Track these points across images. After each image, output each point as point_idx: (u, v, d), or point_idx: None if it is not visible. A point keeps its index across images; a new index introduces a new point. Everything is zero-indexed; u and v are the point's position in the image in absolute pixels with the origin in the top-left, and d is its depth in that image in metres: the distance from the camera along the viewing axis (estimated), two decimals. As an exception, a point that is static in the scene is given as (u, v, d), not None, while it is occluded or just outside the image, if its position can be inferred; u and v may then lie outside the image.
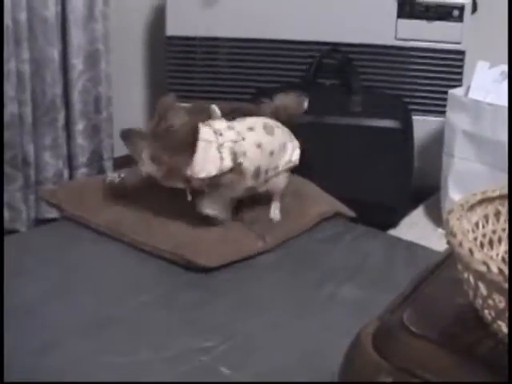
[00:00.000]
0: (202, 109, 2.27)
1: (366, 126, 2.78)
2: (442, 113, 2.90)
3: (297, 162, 2.32)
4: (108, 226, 2.33)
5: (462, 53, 3.00)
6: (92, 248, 2.27)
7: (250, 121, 2.26)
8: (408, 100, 3.04)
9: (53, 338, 1.81)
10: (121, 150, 3.17)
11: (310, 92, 2.87)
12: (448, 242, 0.93)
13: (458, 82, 2.99)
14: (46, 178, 2.82)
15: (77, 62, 2.85)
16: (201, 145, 2.11)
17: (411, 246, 2.41)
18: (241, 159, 2.14)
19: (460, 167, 2.75)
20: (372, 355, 0.95)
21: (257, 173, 2.20)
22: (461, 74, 3.02)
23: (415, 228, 2.87)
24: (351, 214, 2.42)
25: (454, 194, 2.73)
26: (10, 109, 2.61)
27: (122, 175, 2.69)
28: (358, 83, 2.97)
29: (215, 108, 2.22)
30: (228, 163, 2.12)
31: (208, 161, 2.12)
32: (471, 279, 0.89)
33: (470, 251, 0.86)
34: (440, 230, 2.85)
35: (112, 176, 2.71)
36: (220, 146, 2.12)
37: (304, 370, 1.72)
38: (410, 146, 2.94)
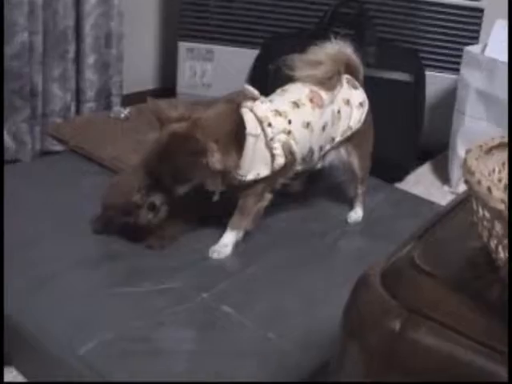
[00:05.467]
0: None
1: (377, 78, 2.74)
2: (456, 70, 2.86)
3: (358, 126, 2.09)
4: (111, 161, 2.33)
5: (481, 10, 2.96)
6: (94, 181, 2.26)
7: (294, 92, 1.99)
8: (422, 55, 3.00)
9: (53, 269, 1.82)
10: (130, 87, 3.15)
11: (324, 41, 2.85)
12: (465, 181, 0.92)
13: (474, 40, 2.95)
14: (53, 110, 2.78)
15: (90, -5, 2.80)
16: (249, 141, 1.85)
17: (417, 200, 2.40)
18: (293, 148, 1.91)
19: (470, 125, 2.72)
20: (380, 293, 0.93)
21: (309, 154, 1.98)
22: (478, 31, 2.98)
23: (420, 184, 2.85)
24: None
25: (462, 151, 2.69)
26: (21, 38, 2.57)
27: (128, 110, 2.67)
28: (372, 34, 2.93)
29: (250, 88, 1.95)
30: (281, 161, 1.89)
31: (257, 161, 1.88)
32: (488, 218, 0.87)
33: (489, 189, 0.84)
34: (446, 188, 2.83)
35: (117, 111, 2.70)
36: (270, 141, 1.87)
37: (304, 312, 1.73)
38: (421, 100, 2.90)
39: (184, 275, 1.83)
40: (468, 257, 0.98)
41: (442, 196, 2.66)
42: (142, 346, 1.58)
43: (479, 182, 0.87)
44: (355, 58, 2.13)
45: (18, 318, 1.68)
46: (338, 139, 2.06)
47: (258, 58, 3.03)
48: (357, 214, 2.23)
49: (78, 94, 2.89)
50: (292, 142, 1.89)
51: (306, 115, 1.94)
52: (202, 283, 1.80)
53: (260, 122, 1.87)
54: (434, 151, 3.09)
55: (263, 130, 1.86)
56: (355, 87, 2.12)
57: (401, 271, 0.95)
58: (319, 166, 2.10)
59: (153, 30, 3.46)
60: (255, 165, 1.87)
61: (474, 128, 2.69)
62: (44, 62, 2.71)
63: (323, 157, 2.08)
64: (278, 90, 2.03)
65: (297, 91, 1.99)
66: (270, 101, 1.95)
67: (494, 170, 1.04)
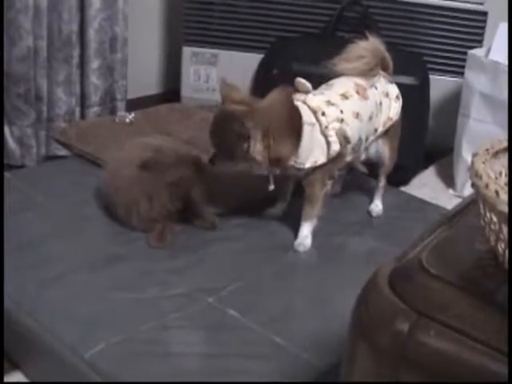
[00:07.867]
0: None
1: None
2: (460, 74, 2.86)
3: (397, 117, 2.19)
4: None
5: (485, 14, 2.96)
6: (99, 185, 2.27)
7: (340, 86, 2.07)
8: (427, 58, 3.00)
9: (59, 272, 1.82)
10: (134, 91, 3.16)
11: (329, 44, 2.84)
12: (473, 185, 0.92)
13: (478, 44, 2.95)
14: (58, 114, 2.79)
15: (94, 0, 2.80)
16: (306, 130, 1.92)
17: (423, 203, 2.41)
18: (348, 134, 1.98)
19: (475, 128, 2.72)
20: (389, 295, 0.93)
21: (358, 144, 2.06)
22: (482, 35, 2.98)
23: (425, 187, 2.85)
24: (363, 169, 2.40)
25: (467, 155, 2.70)
26: (26, 42, 2.58)
27: (133, 115, 2.68)
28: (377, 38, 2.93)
29: (302, 80, 2.00)
30: (336, 147, 1.96)
31: (314, 149, 1.94)
32: (495, 221, 0.87)
33: (496, 193, 0.84)
34: (450, 191, 2.83)
35: (122, 115, 2.70)
36: (325, 129, 1.94)
37: (313, 313, 1.73)
38: (425, 104, 2.90)
39: (190, 277, 1.84)
40: (475, 259, 0.98)
41: (447, 199, 2.66)
42: (149, 349, 1.58)
43: (487, 186, 0.87)
44: (388, 55, 2.21)
45: (25, 321, 1.68)
46: (380, 130, 2.16)
47: (262, 62, 3.03)
48: (378, 206, 2.32)
49: (83, 98, 2.89)
50: (346, 128, 1.97)
51: (355, 106, 2.03)
52: (208, 286, 1.81)
53: (314, 112, 1.95)
54: (439, 154, 3.09)
55: (317, 119, 1.94)
56: (391, 82, 2.22)
57: (409, 273, 0.95)
58: (363, 157, 2.21)
59: (157, 35, 3.46)
60: (312, 153, 1.94)
61: (479, 131, 2.69)
62: (49, 66, 2.71)
63: (366, 148, 2.18)
64: (323, 86, 2.09)
65: (342, 85, 2.08)
66: (324, 95, 2.02)
67: (500, 174, 1.04)
